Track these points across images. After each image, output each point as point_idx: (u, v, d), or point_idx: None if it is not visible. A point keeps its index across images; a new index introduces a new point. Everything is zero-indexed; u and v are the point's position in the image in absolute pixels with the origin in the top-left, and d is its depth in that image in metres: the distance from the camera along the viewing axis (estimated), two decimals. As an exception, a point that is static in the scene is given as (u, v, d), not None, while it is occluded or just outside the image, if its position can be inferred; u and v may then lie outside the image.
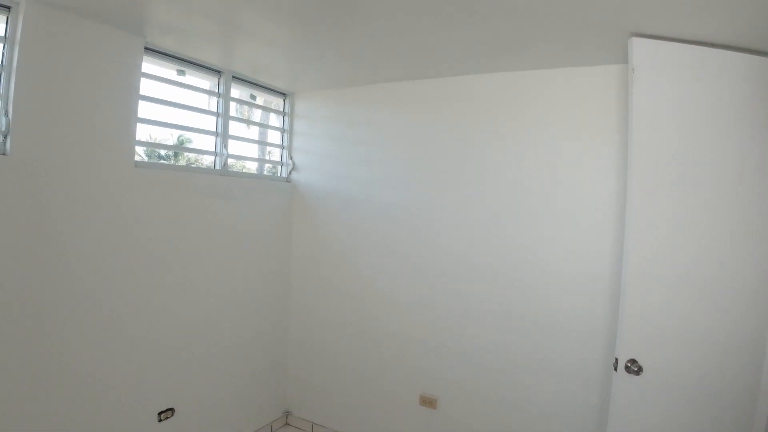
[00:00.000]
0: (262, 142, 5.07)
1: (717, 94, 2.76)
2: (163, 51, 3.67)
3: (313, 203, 4.80)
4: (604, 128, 3.39)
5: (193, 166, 4.47)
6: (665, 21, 2.59)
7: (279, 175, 4.97)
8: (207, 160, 4.42)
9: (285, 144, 4.97)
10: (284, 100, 4.95)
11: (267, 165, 5.08)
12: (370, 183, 4.43)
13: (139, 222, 3.44)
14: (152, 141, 4.37)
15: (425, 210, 4.12)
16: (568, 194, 3.53)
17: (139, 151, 3.98)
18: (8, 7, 2.84)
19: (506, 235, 3.76)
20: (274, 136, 5.10)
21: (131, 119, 3.39)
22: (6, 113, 2.79)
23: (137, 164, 3.45)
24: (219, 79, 4.20)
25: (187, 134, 4.39)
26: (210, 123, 4.21)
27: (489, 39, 3.10)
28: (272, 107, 5.04)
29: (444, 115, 4.04)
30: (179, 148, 4.89)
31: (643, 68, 2.79)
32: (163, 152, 4.81)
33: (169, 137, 4.78)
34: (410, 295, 4.18)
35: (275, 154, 5.12)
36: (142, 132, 3.63)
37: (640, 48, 2.80)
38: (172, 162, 4.52)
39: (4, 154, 2.78)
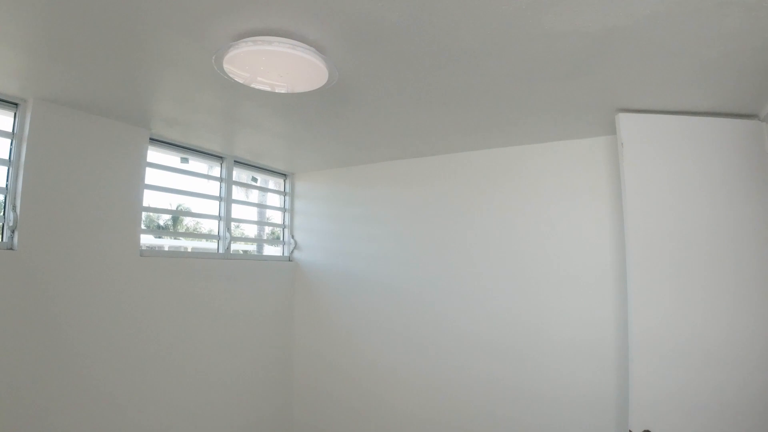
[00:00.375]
0: (265, 223, 5.15)
1: (706, 159, 2.86)
2: (168, 141, 3.80)
3: (314, 281, 4.82)
4: (597, 196, 3.50)
5: (196, 250, 4.52)
6: (650, 96, 2.72)
7: (282, 254, 5.01)
8: (208, 227, 4.47)
9: (286, 223, 5.05)
10: (284, 180, 5.08)
11: (267, 244, 5.13)
12: (370, 259, 4.48)
13: (144, 309, 3.46)
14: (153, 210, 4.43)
15: (425, 284, 4.16)
16: (567, 262, 3.57)
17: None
18: (16, 104, 2.99)
19: (508, 306, 3.77)
20: (275, 216, 5.18)
21: (137, 209, 3.48)
22: (14, 208, 2.88)
23: (142, 253, 3.50)
24: (221, 164, 4.32)
25: (186, 203, 4.45)
26: (213, 206, 4.30)
27: (479, 120, 3.24)
28: (273, 188, 5.15)
29: (439, 190, 4.17)
30: (183, 218, 4.96)
31: (631, 142, 2.89)
32: (162, 222, 4.86)
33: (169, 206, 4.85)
34: (414, 371, 4.13)
35: (276, 233, 5.19)
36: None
37: (627, 123, 2.91)
38: (171, 230, 4.56)
39: (11, 249, 2.83)
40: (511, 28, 1.94)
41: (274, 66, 2.19)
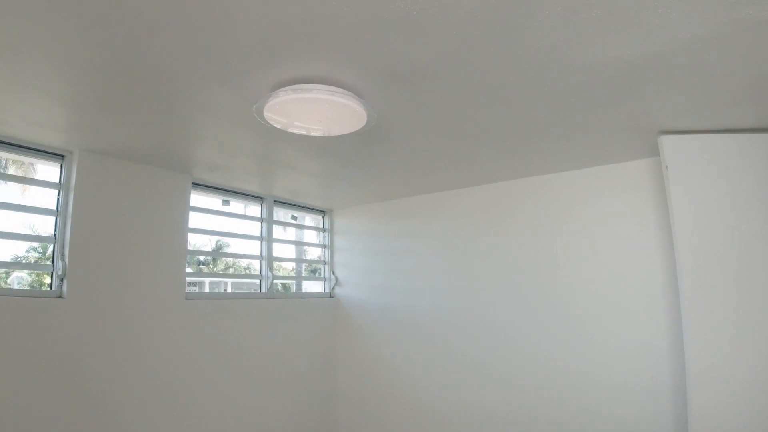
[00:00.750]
0: (306, 260, 5.18)
1: (758, 176, 2.71)
2: (209, 185, 3.89)
3: (356, 317, 4.80)
4: (643, 221, 3.35)
5: (236, 287, 4.57)
6: (693, 116, 2.62)
7: (323, 291, 5.01)
8: (246, 264, 4.52)
9: (326, 259, 5.06)
10: (323, 217, 5.11)
11: (308, 281, 5.15)
12: (412, 293, 4.43)
13: (189, 351, 3.50)
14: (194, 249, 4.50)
15: (468, 317, 4.06)
16: (614, 293, 3.41)
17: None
18: (62, 156, 3.11)
19: (551, 340, 3.61)
20: (315, 253, 5.21)
21: (182, 252, 3.55)
22: (63, 257, 2.96)
23: (188, 296, 3.55)
24: (261, 204, 4.38)
25: (225, 239, 4.50)
26: (254, 246, 4.35)
27: (516, 151, 3.21)
28: (312, 225, 5.20)
29: (479, 221, 4.11)
30: (224, 256, 5.02)
31: (676, 164, 2.80)
32: (201, 258, 4.92)
33: (208, 242, 4.93)
34: (459, 405, 4.01)
35: (317, 270, 5.21)
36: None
37: (670, 145, 2.83)
38: (211, 266, 4.62)
39: (61, 297, 2.91)
40: (549, 61, 1.93)
41: (313, 111, 2.22)
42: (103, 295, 3.07)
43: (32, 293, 2.93)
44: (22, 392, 2.66)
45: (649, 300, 3.28)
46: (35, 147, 2.98)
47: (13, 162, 3.85)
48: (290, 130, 2.45)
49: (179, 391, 3.39)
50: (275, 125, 2.40)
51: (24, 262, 2.99)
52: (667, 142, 2.84)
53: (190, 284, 3.82)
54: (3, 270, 3.69)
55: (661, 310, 3.22)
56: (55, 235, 3.03)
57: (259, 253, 4.33)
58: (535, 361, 3.68)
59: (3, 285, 3.72)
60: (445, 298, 4.22)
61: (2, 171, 3.40)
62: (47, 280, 3.17)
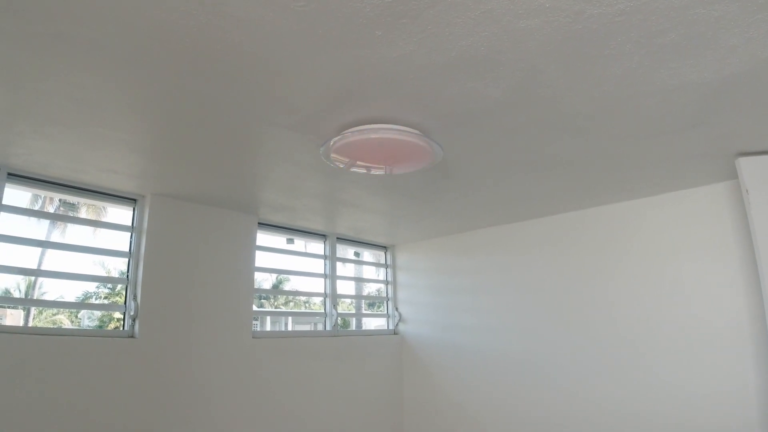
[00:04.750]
0: (369, 297, 5.17)
1: None
2: (274, 224, 3.96)
3: (421, 354, 4.70)
4: (723, 249, 3.09)
5: (299, 329, 4.59)
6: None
7: (387, 327, 4.97)
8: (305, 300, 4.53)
9: (390, 296, 5.03)
10: (385, 253, 5.10)
11: (371, 318, 5.13)
12: (480, 331, 4.28)
13: (256, 389, 3.50)
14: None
15: (540, 356, 3.85)
16: (696, 325, 3.13)
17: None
18: (135, 200, 3.24)
19: (626, 381, 3.33)
20: (377, 289, 5.19)
21: (248, 291, 3.59)
22: (135, 298, 3.05)
23: (254, 334, 3.59)
24: (324, 242, 4.42)
25: (291, 281, 4.54)
26: (316, 284, 4.38)
27: (588, 181, 3.10)
28: (375, 261, 5.20)
29: (546, 254, 3.94)
30: (293, 313, 5.06)
31: (757, 186, 2.64)
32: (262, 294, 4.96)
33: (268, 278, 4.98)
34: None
35: (381, 306, 5.18)
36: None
37: (749, 167, 2.67)
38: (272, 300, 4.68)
39: (133, 337, 2.99)
40: (622, 89, 1.84)
41: (380, 150, 2.21)
42: (174, 335, 3.13)
43: (105, 333, 3.04)
44: (95, 426, 2.72)
45: (734, 334, 2.99)
46: (109, 192, 3.13)
47: (84, 204, 4.04)
48: (353, 169, 2.47)
49: (246, 427, 3.39)
50: (340, 165, 2.43)
51: (96, 301, 3.10)
52: (745, 164, 2.68)
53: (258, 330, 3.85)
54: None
55: (748, 345, 2.93)
56: (127, 276, 3.13)
57: (322, 291, 4.35)
58: (610, 404, 3.43)
59: (74, 319, 3.85)
60: (511, 336, 4.05)
61: (75, 214, 3.54)
62: (117, 315, 3.25)
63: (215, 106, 2.00)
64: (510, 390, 4.00)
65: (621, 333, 3.46)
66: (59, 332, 2.81)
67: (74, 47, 1.61)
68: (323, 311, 4.32)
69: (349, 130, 2.06)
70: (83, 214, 14.32)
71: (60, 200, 2.96)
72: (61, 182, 2.97)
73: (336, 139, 2.11)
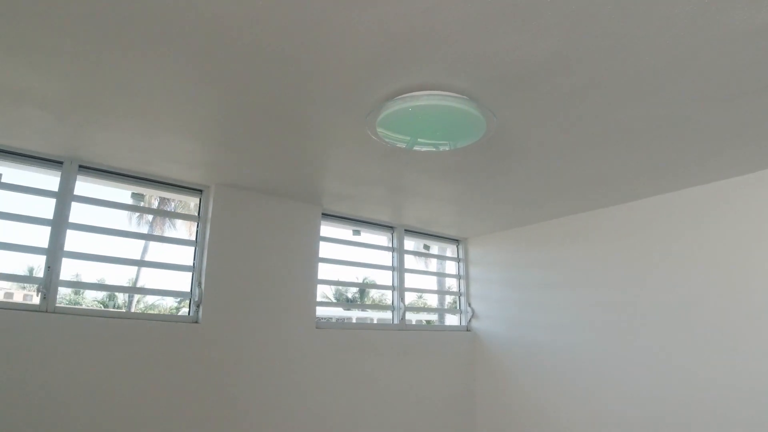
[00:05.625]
0: (439, 291, 5.01)
1: None
2: (339, 215, 3.91)
3: (495, 352, 4.46)
4: None
5: (374, 322, 4.51)
6: None
7: (459, 324, 4.78)
8: (375, 296, 4.43)
9: (462, 291, 4.84)
10: (457, 246, 4.92)
11: (443, 313, 4.95)
12: (558, 329, 3.98)
13: (318, 380, 3.46)
14: (335, 293, 4.51)
15: (624, 355, 3.50)
16: None
17: (329, 293, 4.08)
18: (200, 190, 3.32)
19: (723, 384, 2.92)
20: (449, 284, 5.01)
21: (312, 281, 3.56)
22: (199, 284, 3.11)
23: (318, 324, 3.54)
24: (392, 234, 4.32)
25: (370, 277, 4.47)
26: (386, 277, 4.28)
27: (668, 156, 2.73)
28: (446, 255, 5.03)
29: (624, 245, 3.58)
30: (356, 305, 5.01)
31: None
32: (350, 294, 4.94)
33: (355, 280, 4.94)
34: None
35: (453, 301, 5.00)
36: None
37: None
38: (358, 303, 4.62)
39: (196, 322, 3.06)
40: (698, 30, 1.56)
41: (428, 122, 2.09)
42: (236, 322, 3.16)
43: (172, 318, 3.13)
44: (158, 407, 2.83)
45: None
46: (176, 183, 3.24)
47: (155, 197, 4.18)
48: (416, 148, 2.35)
49: (306, 419, 3.35)
50: (399, 144, 2.33)
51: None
52: None
53: (323, 319, 3.80)
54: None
55: None
56: (193, 264, 3.20)
57: (390, 284, 4.25)
58: (704, 407, 3.03)
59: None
60: (591, 334, 3.73)
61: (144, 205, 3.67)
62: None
63: (271, 93, 2.02)
64: (587, 391, 3.69)
65: (711, 332, 3.08)
66: (130, 316, 2.91)
67: (137, 38, 1.67)
68: (391, 305, 4.21)
69: (391, 99, 1.94)
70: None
71: (133, 194, 3.08)
72: (130, 174, 3.09)
73: (379, 108, 2.00)
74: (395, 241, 4.31)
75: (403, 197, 3.54)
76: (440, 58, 1.72)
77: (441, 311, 4.97)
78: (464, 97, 1.93)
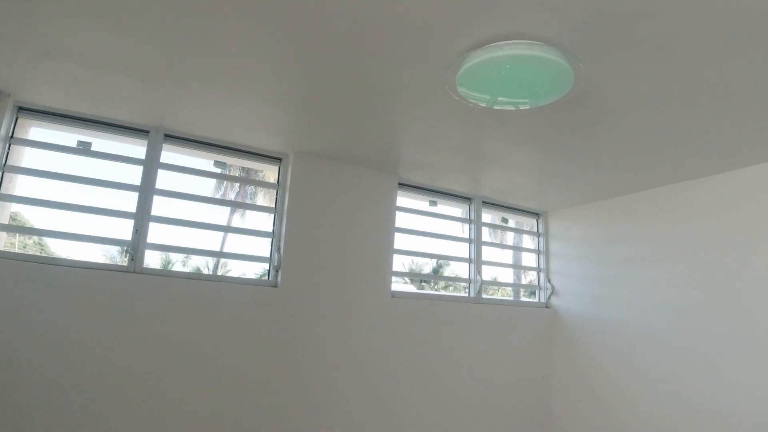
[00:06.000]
0: (517, 266, 4.87)
1: None
2: (416, 185, 3.86)
3: (575, 331, 4.27)
4: None
5: (450, 294, 4.45)
6: None
7: (537, 300, 4.63)
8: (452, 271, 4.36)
9: (541, 266, 4.68)
10: (537, 220, 4.75)
11: (521, 289, 4.81)
12: (638, 308, 3.74)
13: (392, 349, 3.47)
14: (410, 270, 4.49)
15: (702, 338, 3.24)
16: None
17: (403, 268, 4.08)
18: (279, 159, 3.39)
19: None
20: (528, 259, 4.86)
21: (388, 251, 3.55)
22: (278, 250, 3.18)
23: (394, 294, 3.53)
24: (469, 205, 4.22)
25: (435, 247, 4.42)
26: (462, 250, 4.20)
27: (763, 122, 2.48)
28: (525, 229, 4.88)
29: (728, 217, 3.25)
30: (432, 277, 4.97)
31: None
32: (405, 264, 4.89)
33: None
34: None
35: (531, 277, 4.85)
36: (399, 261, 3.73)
37: None
38: (432, 285, 4.58)
39: (275, 286, 3.14)
40: None
41: (512, 77, 1.99)
42: (314, 287, 3.22)
43: (253, 281, 3.20)
44: (237, 366, 2.95)
45: None
46: (256, 151, 3.32)
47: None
48: (495, 107, 2.26)
49: (379, 387, 3.38)
50: (480, 104, 2.25)
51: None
52: None
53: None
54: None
55: None
56: (273, 230, 3.28)
57: (467, 256, 4.16)
58: None
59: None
60: (680, 316, 3.46)
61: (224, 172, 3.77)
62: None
63: (349, 59, 2.03)
64: (673, 377, 3.45)
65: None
66: (210, 278, 3.01)
67: (221, 1, 1.70)
68: (468, 278, 4.13)
69: (472, 50, 1.85)
70: (260, 200, 15.67)
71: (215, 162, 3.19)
72: (213, 142, 3.19)
73: (461, 60, 1.91)
74: (472, 212, 4.21)
75: (482, 165, 3.43)
76: (524, 1, 1.61)
77: (519, 287, 4.83)
78: (551, 45, 1.81)
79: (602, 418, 3.91)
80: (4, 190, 2.79)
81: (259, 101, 2.58)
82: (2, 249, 2.81)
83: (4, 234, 2.96)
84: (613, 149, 2.99)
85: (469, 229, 4.22)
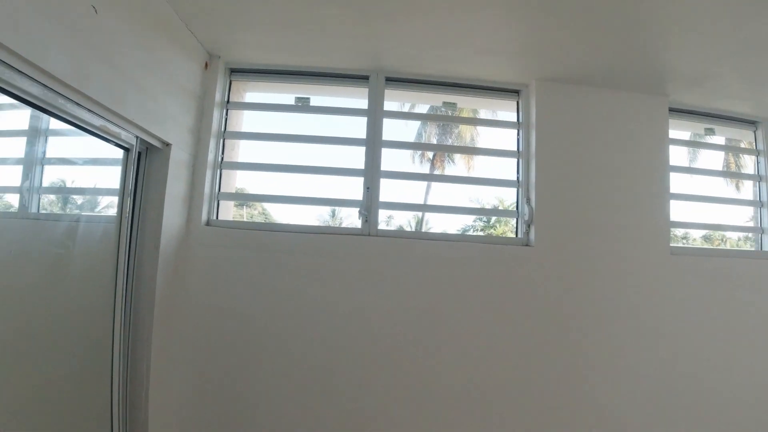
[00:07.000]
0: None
1: None
2: (688, 109, 2.99)
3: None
4: None
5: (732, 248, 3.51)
6: None
7: None
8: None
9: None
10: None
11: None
12: None
13: (673, 317, 2.71)
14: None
15: None
16: None
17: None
18: (517, 92, 2.78)
19: None
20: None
21: (663, 196, 2.76)
22: (528, 201, 2.63)
23: (673, 251, 2.75)
24: (755, 131, 3.23)
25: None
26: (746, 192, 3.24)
27: None
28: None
29: None
30: (712, 227, 4.01)
31: None
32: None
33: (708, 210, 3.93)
34: None
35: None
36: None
37: None
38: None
39: (527, 245, 2.61)
40: None
41: None
42: (574, 245, 2.62)
43: (499, 240, 2.77)
44: (483, 334, 2.56)
45: None
46: (489, 86, 2.78)
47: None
48: None
49: (655, 363, 2.66)
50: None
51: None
52: None
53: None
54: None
55: None
56: (518, 178, 2.74)
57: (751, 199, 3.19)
58: None
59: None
60: None
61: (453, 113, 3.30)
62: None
63: None
64: None
65: None
66: (455, 238, 2.58)
67: None
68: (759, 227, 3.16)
69: None
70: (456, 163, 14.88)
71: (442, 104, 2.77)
72: (438, 80, 2.74)
73: None
74: (763, 142, 3.21)
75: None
76: None
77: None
78: None
79: None
80: (227, 159, 2.65)
81: (496, 17, 2.05)
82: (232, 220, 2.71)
83: (232, 206, 2.83)
84: None
85: (756, 162, 3.23)
